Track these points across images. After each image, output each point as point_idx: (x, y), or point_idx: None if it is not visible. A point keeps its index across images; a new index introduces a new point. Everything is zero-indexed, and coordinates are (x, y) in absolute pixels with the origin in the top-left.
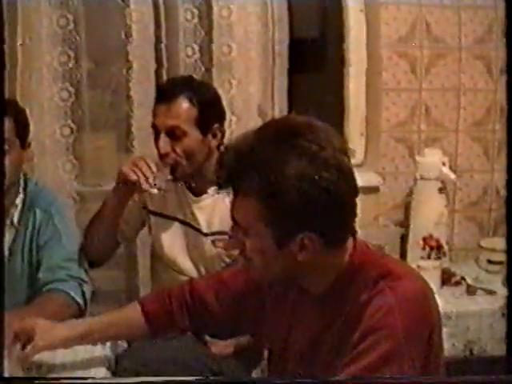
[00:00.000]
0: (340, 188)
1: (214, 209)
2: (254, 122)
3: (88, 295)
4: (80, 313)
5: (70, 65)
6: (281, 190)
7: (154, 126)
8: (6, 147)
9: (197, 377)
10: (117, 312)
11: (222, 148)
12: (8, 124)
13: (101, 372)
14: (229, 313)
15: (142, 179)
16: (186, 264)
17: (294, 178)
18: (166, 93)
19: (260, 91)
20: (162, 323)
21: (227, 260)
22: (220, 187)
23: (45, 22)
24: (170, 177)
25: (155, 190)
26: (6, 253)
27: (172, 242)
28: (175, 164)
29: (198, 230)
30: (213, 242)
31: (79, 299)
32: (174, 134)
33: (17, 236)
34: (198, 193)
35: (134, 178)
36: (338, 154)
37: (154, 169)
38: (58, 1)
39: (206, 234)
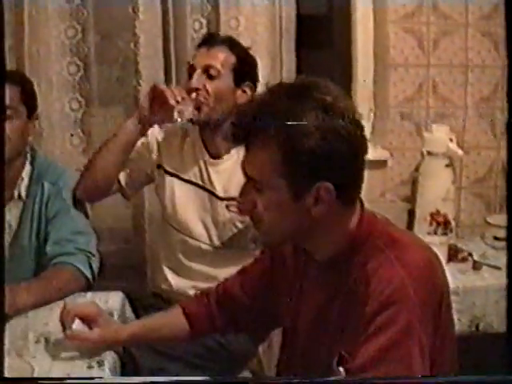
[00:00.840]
0: (356, 139)
1: (232, 173)
2: None
3: (96, 269)
4: (87, 286)
5: (78, 39)
6: (299, 137)
7: (191, 67)
8: (10, 113)
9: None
10: (159, 316)
11: None
12: (13, 91)
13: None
14: (256, 302)
15: (178, 107)
16: (197, 228)
17: (312, 124)
18: (209, 39)
19: (268, 67)
20: (203, 324)
21: (239, 225)
22: (235, 140)
23: None
24: (194, 114)
25: (180, 120)
26: (14, 226)
27: (185, 204)
28: (202, 102)
29: (214, 194)
30: (227, 206)
31: (87, 272)
32: (209, 73)
33: (24, 209)
34: (216, 155)
35: (172, 101)
36: (351, 107)
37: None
38: None
39: (221, 199)
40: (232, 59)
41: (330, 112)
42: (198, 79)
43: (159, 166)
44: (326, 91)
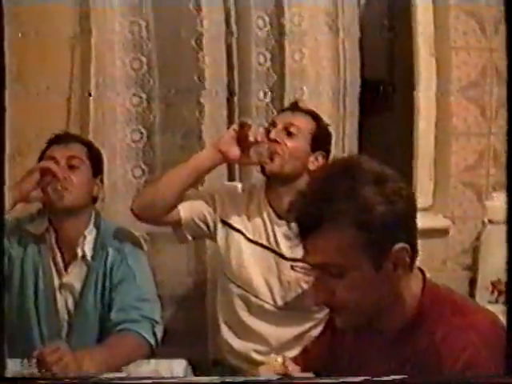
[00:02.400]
0: (413, 198)
1: None
2: None
3: (159, 336)
4: (151, 353)
5: (143, 107)
6: (368, 209)
7: (272, 123)
8: (76, 163)
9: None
10: None
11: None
12: (81, 148)
13: None
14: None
15: (257, 148)
16: (261, 287)
17: (377, 193)
18: (294, 105)
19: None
20: None
21: (304, 286)
22: (302, 233)
23: (118, 63)
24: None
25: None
26: (78, 288)
27: (250, 262)
28: (277, 153)
29: (280, 255)
30: (292, 266)
31: (151, 340)
32: (289, 131)
33: (89, 273)
34: (282, 215)
35: (252, 138)
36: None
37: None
38: (132, 43)
39: (287, 259)
40: (313, 125)
41: (383, 178)
42: (277, 133)
43: (224, 222)
44: (370, 164)
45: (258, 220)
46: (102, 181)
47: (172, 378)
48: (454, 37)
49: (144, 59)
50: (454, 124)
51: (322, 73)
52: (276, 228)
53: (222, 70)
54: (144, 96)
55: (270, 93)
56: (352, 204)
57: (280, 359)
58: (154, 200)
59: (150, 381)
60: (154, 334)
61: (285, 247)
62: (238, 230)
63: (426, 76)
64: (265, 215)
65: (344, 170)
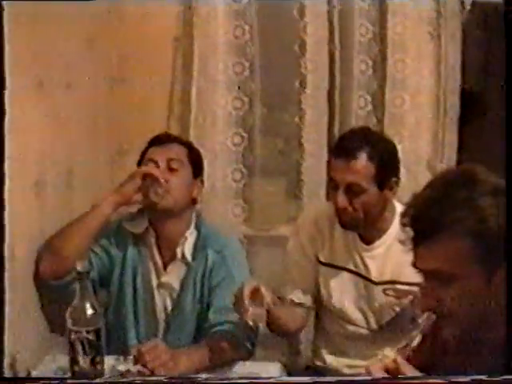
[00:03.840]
0: None
1: (386, 257)
2: (423, 175)
3: (255, 338)
4: (248, 355)
5: (244, 110)
6: (487, 220)
7: (332, 180)
8: (176, 166)
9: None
10: None
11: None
12: (181, 150)
13: None
14: None
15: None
16: (354, 313)
17: (494, 205)
18: (345, 148)
19: (430, 144)
20: None
21: (397, 309)
22: (417, 239)
23: (220, 66)
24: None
25: None
26: (177, 288)
27: (340, 291)
28: (352, 218)
29: (369, 279)
30: (384, 290)
31: (248, 342)
32: (352, 190)
33: (188, 273)
34: (369, 241)
35: None
36: None
37: None
38: (235, 47)
39: (377, 283)
40: (372, 169)
41: (499, 190)
42: (342, 200)
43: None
44: (486, 174)
45: (344, 248)
46: (202, 182)
47: (268, 378)
48: None
49: (246, 63)
50: None
51: (422, 82)
52: (363, 254)
53: (324, 76)
54: (246, 99)
55: (370, 101)
56: (469, 213)
57: (391, 354)
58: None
59: (247, 380)
60: (251, 337)
61: (374, 272)
62: (327, 264)
63: None
64: (351, 243)
65: (462, 179)
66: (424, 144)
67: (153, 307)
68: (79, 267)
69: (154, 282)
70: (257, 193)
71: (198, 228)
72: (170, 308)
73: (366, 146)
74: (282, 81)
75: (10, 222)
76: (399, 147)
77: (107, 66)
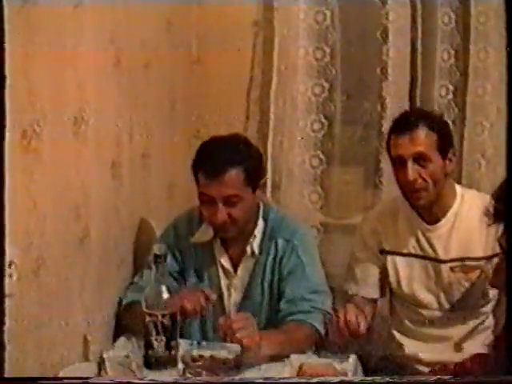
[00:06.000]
0: None
1: (451, 235)
2: (502, 167)
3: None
4: (322, 344)
5: (324, 97)
6: None
7: (397, 157)
8: (235, 200)
9: None
10: None
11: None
12: (236, 175)
13: None
14: None
15: None
16: (425, 297)
17: None
18: (406, 123)
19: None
20: None
21: (466, 285)
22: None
23: (301, 52)
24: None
25: None
26: (245, 282)
27: (409, 276)
28: (422, 189)
29: (435, 259)
30: (451, 268)
31: (323, 331)
32: (419, 162)
33: (256, 265)
34: (432, 221)
35: None
36: None
37: None
38: (316, 33)
39: (444, 262)
40: (434, 137)
41: None
42: (413, 171)
43: (381, 251)
44: None
45: (409, 233)
46: (264, 183)
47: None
48: None
49: (327, 49)
50: None
51: (505, 71)
52: (428, 235)
53: (406, 63)
54: (326, 86)
55: (452, 90)
56: None
57: None
58: None
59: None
60: (325, 325)
61: (440, 251)
62: (393, 252)
63: None
64: (415, 226)
65: None
66: (505, 135)
67: (221, 304)
68: (156, 250)
69: (224, 284)
70: (334, 180)
71: (265, 217)
72: (239, 300)
73: (424, 119)
74: (363, 68)
75: (85, 204)
76: (479, 139)
77: (186, 48)
